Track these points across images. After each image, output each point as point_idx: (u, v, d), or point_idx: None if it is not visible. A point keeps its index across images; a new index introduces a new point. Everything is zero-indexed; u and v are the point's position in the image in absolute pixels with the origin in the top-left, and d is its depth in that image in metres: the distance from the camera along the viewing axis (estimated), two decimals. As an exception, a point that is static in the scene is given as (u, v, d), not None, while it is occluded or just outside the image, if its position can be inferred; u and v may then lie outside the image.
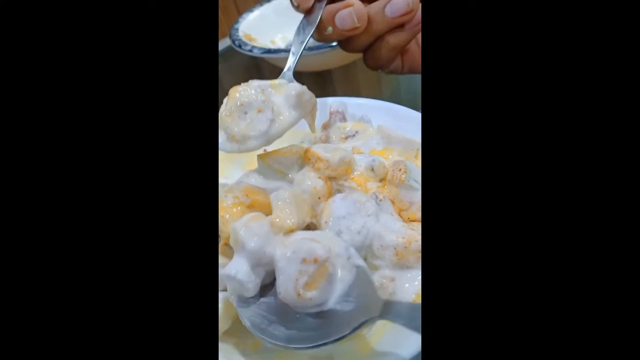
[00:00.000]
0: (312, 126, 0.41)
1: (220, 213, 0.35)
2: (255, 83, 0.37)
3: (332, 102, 0.50)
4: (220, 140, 0.36)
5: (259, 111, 0.35)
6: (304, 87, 0.38)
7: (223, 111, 0.36)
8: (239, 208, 0.36)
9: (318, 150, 0.40)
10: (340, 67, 0.73)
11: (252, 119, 0.35)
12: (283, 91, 0.37)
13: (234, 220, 0.34)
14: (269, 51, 0.68)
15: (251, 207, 0.37)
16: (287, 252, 0.31)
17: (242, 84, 0.37)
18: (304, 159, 0.41)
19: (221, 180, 0.50)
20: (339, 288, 0.32)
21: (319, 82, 0.74)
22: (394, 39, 0.46)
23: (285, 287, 0.31)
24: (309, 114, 0.39)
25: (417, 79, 0.69)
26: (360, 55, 0.67)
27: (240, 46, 0.71)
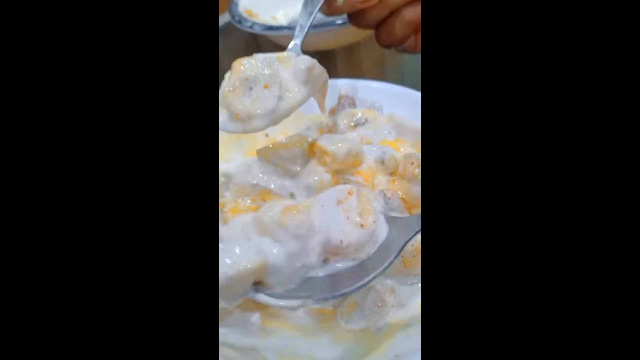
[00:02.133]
0: (321, 105, 0.38)
1: (235, 216, 0.33)
2: (260, 56, 0.34)
3: (342, 85, 0.47)
4: (221, 119, 0.33)
5: (266, 87, 0.32)
6: (315, 61, 0.34)
7: (225, 86, 0.32)
8: None
9: (323, 143, 0.38)
10: (344, 47, 0.70)
11: (258, 95, 0.32)
12: (291, 65, 0.34)
13: None
14: (270, 28, 0.65)
15: None
16: (319, 207, 0.30)
17: (245, 57, 0.34)
18: (309, 153, 0.39)
19: (221, 165, 0.47)
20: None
21: (321, 62, 0.70)
22: (411, 13, 0.43)
23: (342, 230, 0.29)
24: (319, 91, 0.35)
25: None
26: (364, 34, 0.64)
27: (240, 22, 0.67)
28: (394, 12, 0.44)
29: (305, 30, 0.40)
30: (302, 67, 0.33)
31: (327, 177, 0.37)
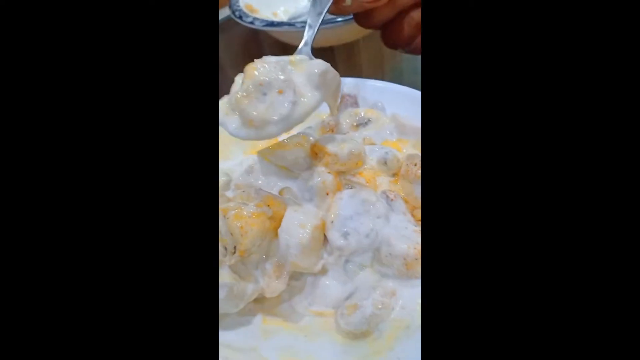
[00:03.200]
0: (333, 108, 0.38)
1: (238, 223, 0.33)
2: (272, 59, 0.33)
3: (344, 84, 0.47)
4: (233, 125, 0.32)
5: (280, 92, 0.31)
6: (328, 65, 0.34)
7: (238, 91, 0.31)
8: (262, 218, 0.34)
9: (325, 144, 0.37)
10: (343, 44, 0.70)
11: (273, 101, 0.31)
12: (304, 69, 0.33)
13: (256, 233, 0.32)
14: (271, 24, 0.65)
15: (272, 218, 0.35)
16: None
17: (256, 60, 0.33)
18: (311, 154, 0.38)
19: (223, 162, 0.46)
20: None
21: (320, 59, 0.70)
22: (419, 15, 0.42)
23: None
24: (332, 95, 0.35)
25: (419, 58, 0.67)
26: (365, 32, 0.63)
27: (240, 17, 0.67)
28: (402, 13, 0.43)
29: (315, 30, 0.40)
30: (316, 71, 0.33)
31: (330, 178, 0.37)
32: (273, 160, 0.39)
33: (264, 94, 0.31)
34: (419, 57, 0.64)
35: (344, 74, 0.48)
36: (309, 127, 0.46)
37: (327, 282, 0.37)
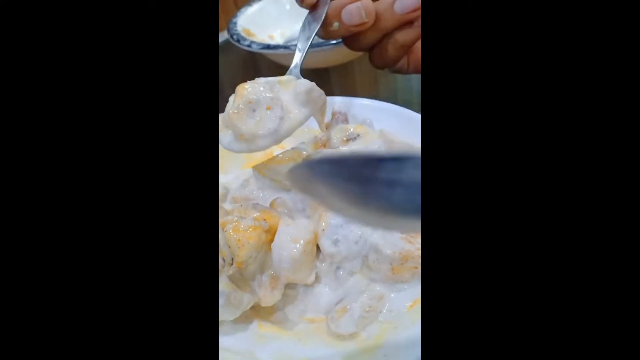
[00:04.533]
0: (321, 124, 0.40)
1: (235, 236, 0.34)
2: (262, 80, 0.36)
3: (336, 102, 0.49)
4: (227, 139, 0.35)
5: (268, 109, 0.34)
6: (313, 84, 0.37)
7: (230, 109, 0.34)
8: (258, 232, 0.35)
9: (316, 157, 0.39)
10: (338, 65, 0.72)
11: (261, 116, 0.34)
12: (291, 88, 0.36)
13: (253, 246, 0.34)
14: (268, 47, 0.67)
15: (268, 232, 0.36)
16: None
17: (248, 81, 0.36)
18: None
19: (220, 176, 0.49)
20: None
21: (316, 80, 0.72)
22: (403, 37, 0.45)
23: None
24: (319, 111, 0.38)
25: (414, 79, 0.69)
26: (358, 54, 0.66)
27: (238, 41, 0.69)
28: (387, 36, 0.46)
29: (304, 53, 0.42)
30: (302, 89, 0.36)
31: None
32: (268, 174, 0.41)
33: (253, 111, 0.34)
34: (412, 77, 0.67)
35: (340, 94, 0.50)
36: (302, 143, 0.48)
37: (319, 290, 0.38)
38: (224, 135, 0.35)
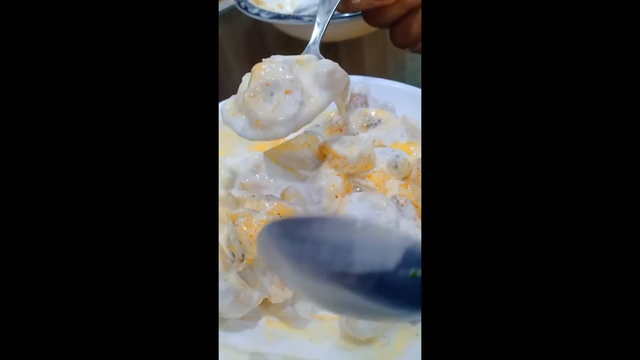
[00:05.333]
0: (341, 108, 0.37)
1: (247, 231, 0.32)
2: (280, 59, 0.33)
3: (354, 83, 0.46)
4: (241, 125, 0.31)
5: (287, 92, 0.31)
6: (336, 65, 0.33)
7: (245, 92, 0.31)
8: None
9: (334, 147, 0.37)
10: (347, 41, 0.69)
11: (280, 101, 0.30)
12: (312, 69, 0.33)
13: None
14: (278, 16, 0.63)
15: None
16: None
17: (264, 60, 0.32)
18: (318, 155, 0.38)
19: (227, 158, 0.46)
20: None
21: (324, 54, 0.69)
22: None
23: None
24: (341, 95, 0.34)
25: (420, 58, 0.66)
26: (369, 30, 0.63)
27: (246, 8, 0.66)
28: (412, 12, 0.43)
29: (323, 28, 0.39)
30: (324, 70, 0.32)
31: (339, 180, 0.36)
32: (280, 161, 0.39)
33: (271, 94, 0.30)
34: (418, 56, 0.64)
35: (347, 71, 0.48)
36: (317, 126, 0.45)
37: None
38: (237, 121, 0.31)
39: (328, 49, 0.70)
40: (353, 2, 0.41)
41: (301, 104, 0.31)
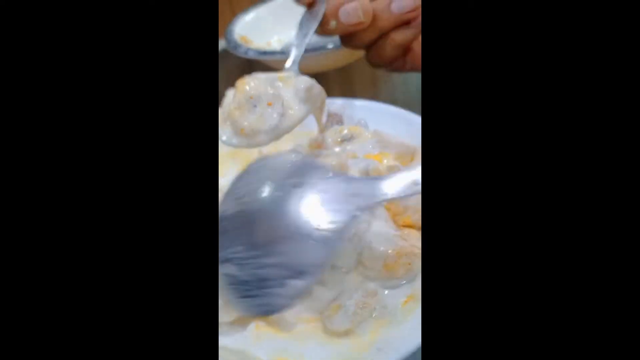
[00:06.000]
0: (319, 121, 0.40)
1: None
2: (262, 75, 0.36)
3: (330, 104, 0.49)
4: (226, 134, 0.35)
5: (269, 104, 0.34)
6: (313, 81, 0.37)
7: (230, 104, 0.34)
8: None
9: None
10: (337, 69, 0.72)
11: (262, 112, 0.34)
12: (292, 84, 0.36)
13: None
14: (264, 53, 0.67)
15: None
16: None
17: (247, 76, 0.36)
18: None
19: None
20: None
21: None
22: (400, 36, 0.46)
23: None
24: (318, 108, 0.38)
25: (413, 80, 0.68)
26: (356, 57, 0.66)
27: (235, 48, 0.70)
28: (384, 35, 0.46)
29: (302, 49, 0.42)
30: (302, 86, 0.36)
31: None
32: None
33: (255, 106, 0.34)
34: (411, 79, 0.67)
35: (339, 95, 0.50)
36: (299, 145, 0.48)
37: (316, 290, 0.38)
38: (223, 130, 0.35)
39: (319, 79, 0.72)
40: (328, 27, 0.44)
41: (282, 115, 0.34)
